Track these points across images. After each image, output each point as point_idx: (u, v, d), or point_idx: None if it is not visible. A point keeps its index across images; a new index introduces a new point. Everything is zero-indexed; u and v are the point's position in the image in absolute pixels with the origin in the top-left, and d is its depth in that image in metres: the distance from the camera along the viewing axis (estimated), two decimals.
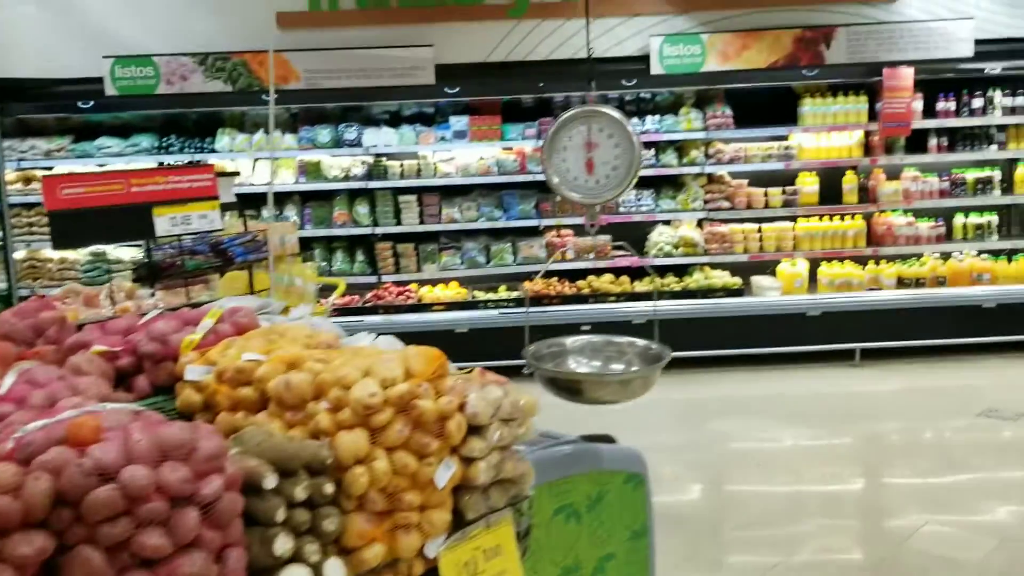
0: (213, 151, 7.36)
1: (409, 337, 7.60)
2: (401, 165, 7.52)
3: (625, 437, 5.76)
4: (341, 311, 7.34)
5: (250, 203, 7.54)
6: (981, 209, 7.74)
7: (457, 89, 7.23)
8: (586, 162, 3.10)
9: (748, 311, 7.39)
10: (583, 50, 7.23)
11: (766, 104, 7.77)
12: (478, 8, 7.07)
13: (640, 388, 2.79)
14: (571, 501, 2.73)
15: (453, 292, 7.55)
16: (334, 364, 2.02)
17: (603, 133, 3.10)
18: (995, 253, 7.69)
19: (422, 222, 7.56)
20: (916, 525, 4.42)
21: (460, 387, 2.04)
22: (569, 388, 2.80)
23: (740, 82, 7.46)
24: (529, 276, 7.74)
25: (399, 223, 7.55)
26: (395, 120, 7.71)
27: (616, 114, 3.13)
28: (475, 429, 2.01)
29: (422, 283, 7.71)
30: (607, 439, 2.96)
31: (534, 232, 7.76)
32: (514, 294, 7.56)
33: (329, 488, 1.79)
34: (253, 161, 7.55)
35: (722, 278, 7.57)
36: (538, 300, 7.42)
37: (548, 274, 7.69)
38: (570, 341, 3.04)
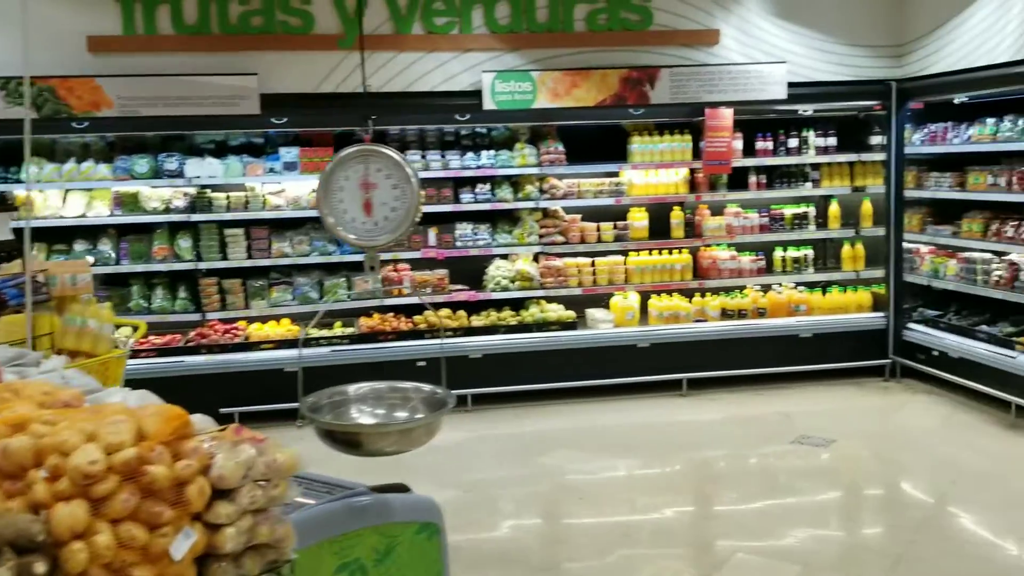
0: (19, 181, 6.85)
1: (235, 377, 7.31)
2: (227, 197, 7.22)
3: (453, 475, 5.71)
4: (161, 351, 6.95)
5: (60, 238, 7.08)
6: (798, 243, 8.15)
7: (285, 120, 7.02)
8: (364, 203, 3.01)
9: (582, 344, 7.48)
10: (419, 82, 7.23)
11: (598, 141, 7.95)
12: (306, 37, 6.92)
13: (423, 436, 2.69)
14: (356, 556, 2.61)
15: (284, 329, 7.29)
16: (58, 427, 1.83)
17: (381, 173, 3.02)
18: (811, 285, 8.12)
19: (250, 256, 7.27)
20: (729, 553, 4.52)
21: (205, 448, 1.89)
22: (347, 441, 2.67)
23: (571, 119, 7.59)
24: (366, 312, 7.59)
25: (225, 258, 7.23)
26: (221, 150, 7.41)
27: (394, 154, 3.05)
28: (222, 493, 1.87)
29: (252, 320, 7.41)
30: (400, 488, 2.84)
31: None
32: (349, 330, 7.38)
33: (40, 568, 1.61)
34: (64, 192, 7.07)
35: (557, 311, 7.65)
36: (373, 336, 7.26)
37: (384, 309, 7.55)
38: (353, 389, 2.92)
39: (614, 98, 7.38)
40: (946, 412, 6.88)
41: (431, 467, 5.95)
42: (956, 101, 7.26)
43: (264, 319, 7.36)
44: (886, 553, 4.50)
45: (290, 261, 7.33)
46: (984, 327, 7.09)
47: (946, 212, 7.80)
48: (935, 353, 7.38)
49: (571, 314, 7.63)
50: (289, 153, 7.20)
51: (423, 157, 7.47)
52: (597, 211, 7.94)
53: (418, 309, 7.55)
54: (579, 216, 7.89)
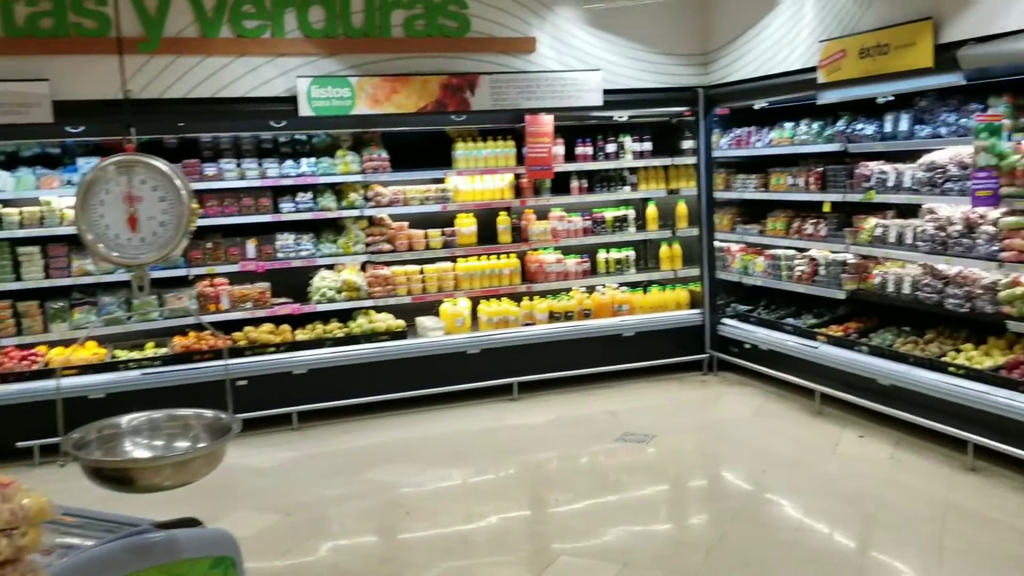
0: None
1: (34, 407, 6.72)
2: (20, 212, 6.66)
3: (277, 499, 5.50)
4: None
5: None
6: (620, 245, 8.40)
7: (82, 128, 6.55)
8: (128, 218, 2.81)
9: (412, 353, 7.40)
10: (229, 87, 6.92)
11: (422, 147, 7.90)
12: (102, 40, 6.46)
13: (204, 466, 2.53)
14: None
15: (89, 353, 6.80)
16: None
17: (146, 185, 2.82)
18: (633, 285, 8.38)
19: (48, 276, 6.74)
20: (555, 556, 4.57)
21: None
22: (118, 479, 2.48)
23: (393, 125, 7.50)
24: (181, 330, 7.19)
25: (19, 278, 6.67)
26: (12, 162, 6.84)
27: (162, 165, 2.86)
28: None
29: (53, 344, 6.86)
30: (190, 523, 2.67)
31: (183, 282, 7.21)
32: (162, 351, 6.97)
33: None
34: None
35: (386, 321, 7.53)
36: (189, 356, 6.89)
37: (200, 326, 7.19)
38: (126, 420, 2.72)
39: (436, 104, 7.34)
40: (758, 402, 7.27)
41: (254, 491, 5.72)
42: (757, 106, 7.69)
43: (66, 342, 6.84)
44: (701, 545, 4.67)
45: (94, 279, 6.85)
46: (790, 320, 7.54)
47: (753, 212, 8.24)
48: (747, 346, 7.78)
49: (400, 323, 7.53)
50: (89, 164, 6.72)
51: (239, 165, 7.18)
52: (424, 218, 7.88)
53: (238, 325, 7.24)
54: (406, 223, 7.81)
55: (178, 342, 7.04)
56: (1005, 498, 5.03)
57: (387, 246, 7.65)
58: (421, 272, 7.78)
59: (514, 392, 7.62)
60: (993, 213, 5.73)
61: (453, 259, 7.91)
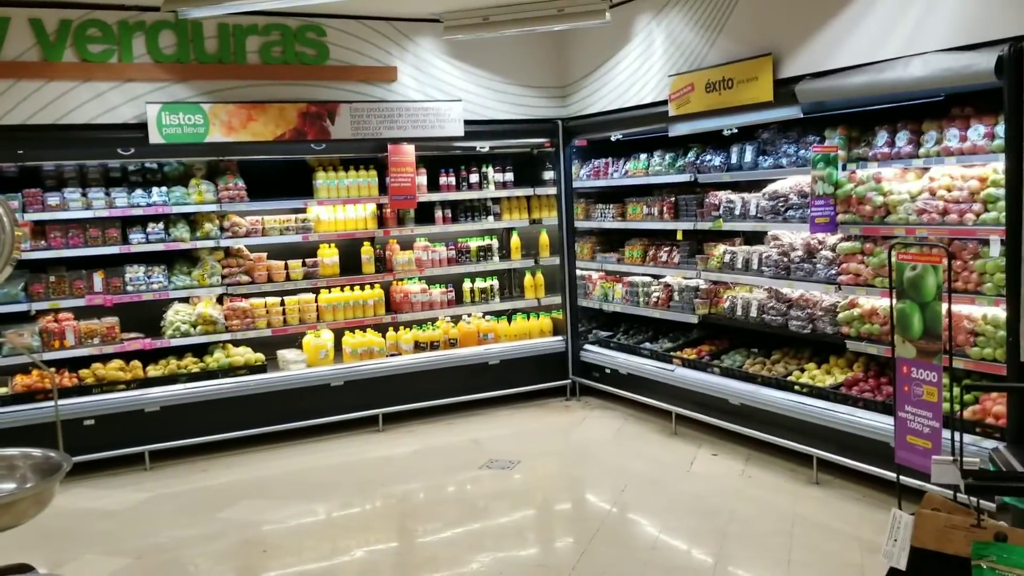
0: None
1: None
2: None
3: (128, 541, 5.21)
4: None
5: None
6: (484, 274, 8.46)
7: None
8: None
9: (273, 387, 7.20)
10: (73, 113, 6.61)
11: (282, 177, 7.76)
12: None
13: (31, 507, 2.37)
14: None
15: None
16: None
17: None
18: (497, 314, 8.46)
19: None
20: None
21: None
22: None
23: (250, 154, 7.32)
24: (24, 368, 6.74)
25: None
26: None
27: None
28: None
29: None
30: (22, 569, 2.49)
31: (24, 318, 6.78)
32: (2, 390, 6.51)
33: None
34: None
35: (245, 355, 7.30)
36: (31, 396, 6.46)
37: (47, 363, 6.74)
38: None
39: (294, 132, 7.23)
40: (619, 425, 7.44)
41: (102, 535, 5.41)
42: (613, 138, 7.95)
43: None
44: (564, 567, 4.71)
45: None
46: (648, 344, 7.78)
47: (612, 240, 8.49)
48: (608, 371, 7.97)
49: (260, 357, 7.32)
50: None
51: (84, 195, 6.84)
52: (284, 248, 7.72)
53: (86, 362, 6.85)
54: (265, 254, 7.62)
55: (20, 381, 6.60)
56: (847, 509, 5.32)
57: (245, 278, 7.44)
58: (282, 304, 7.60)
59: (379, 424, 7.51)
60: (831, 239, 6.11)
61: (315, 290, 7.77)
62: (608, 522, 5.36)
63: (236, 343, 7.43)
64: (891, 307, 5.10)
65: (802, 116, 5.88)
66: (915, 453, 4.97)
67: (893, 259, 5.23)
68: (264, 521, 5.59)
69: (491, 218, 8.47)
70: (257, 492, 6.14)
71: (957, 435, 3.63)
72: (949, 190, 5.27)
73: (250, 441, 7.08)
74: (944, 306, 4.90)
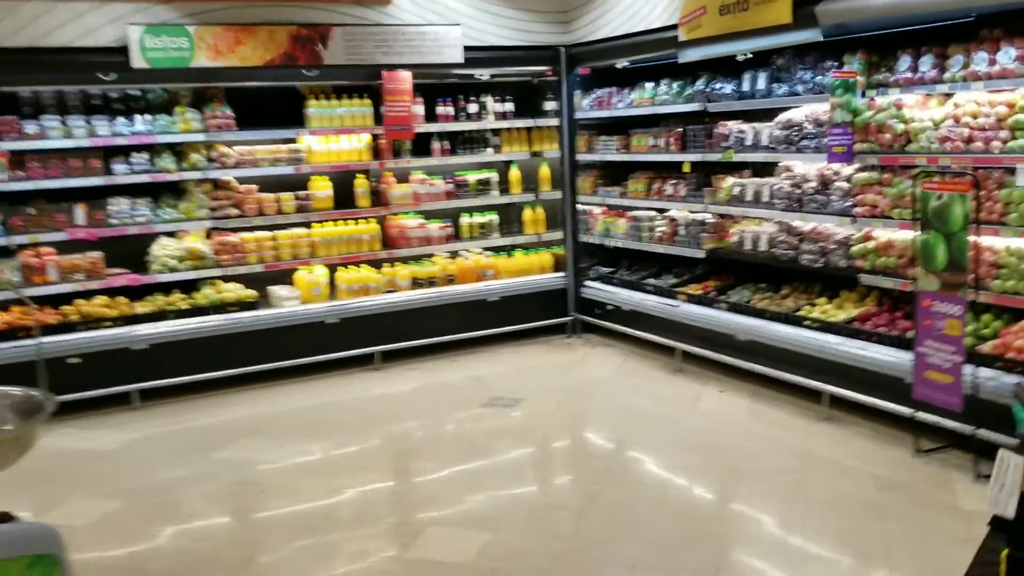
0: None
1: None
2: None
3: (119, 483, 5.04)
4: None
5: None
6: (483, 209, 8.20)
7: None
8: None
9: (266, 324, 6.98)
10: (48, 37, 6.24)
11: (271, 105, 7.43)
12: None
13: (13, 451, 2.16)
14: None
15: None
16: None
17: None
18: (497, 250, 8.22)
19: None
20: (423, 526, 4.35)
21: None
22: None
23: (239, 80, 6.99)
24: (3, 305, 6.50)
25: None
26: None
27: None
28: None
29: None
30: (3, 518, 2.29)
31: (4, 253, 6.51)
32: None
33: None
34: None
35: (236, 291, 7.06)
36: (12, 333, 6.23)
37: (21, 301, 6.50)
38: None
39: (284, 57, 6.88)
40: (621, 362, 7.27)
41: (92, 477, 5.24)
42: (619, 66, 7.63)
43: None
44: (571, 507, 4.57)
45: None
46: (651, 280, 7.57)
47: (615, 174, 8.22)
48: (610, 308, 7.77)
49: (252, 293, 7.09)
50: None
51: (64, 123, 6.52)
52: (276, 181, 7.43)
53: (69, 298, 6.61)
54: (255, 187, 7.34)
55: (0, 318, 6.36)
56: (859, 446, 5.17)
57: (234, 211, 7.16)
58: (274, 239, 7.34)
59: (376, 362, 7.33)
60: (847, 169, 5.86)
61: (308, 225, 7.50)
62: (616, 461, 5.21)
63: (226, 279, 7.19)
64: (914, 239, 4.89)
65: (822, 40, 5.58)
66: (935, 389, 4.81)
67: (918, 189, 5.01)
68: (259, 461, 5.42)
69: (490, 150, 8.17)
70: (252, 432, 5.97)
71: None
72: (975, 117, 5.02)
73: (243, 380, 6.89)
74: (972, 236, 4.70)
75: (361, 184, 7.67)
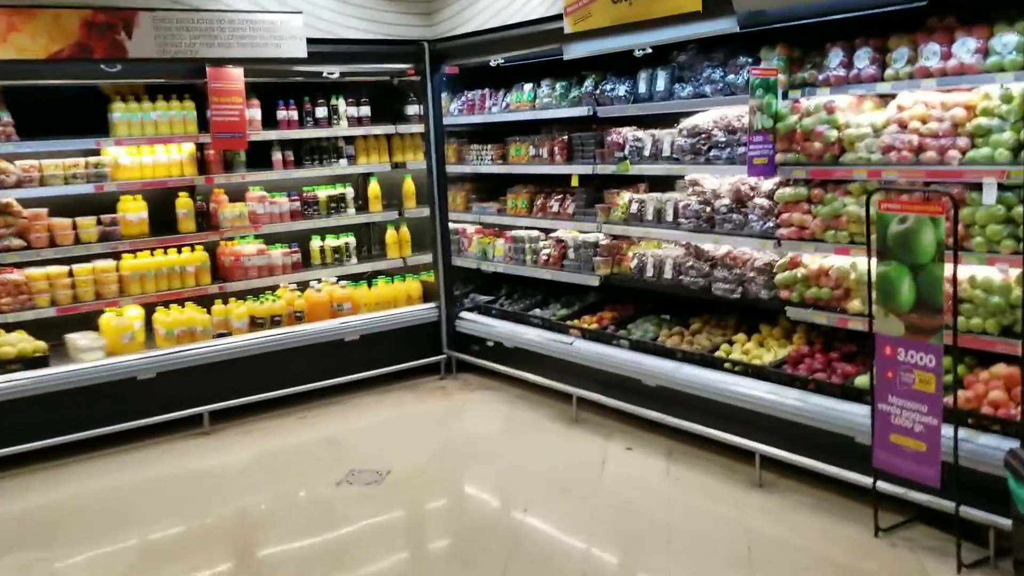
0: None
1: None
2: None
3: None
4: None
5: None
6: (337, 231, 6.96)
7: None
8: None
9: (59, 384, 5.50)
10: None
11: (65, 109, 5.98)
12: None
13: None
14: None
15: None
16: None
17: None
18: (355, 278, 7.00)
19: None
20: None
21: None
22: None
23: (15, 77, 5.53)
24: None
25: None
26: None
27: None
28: None
29: None
30: None
31: None
32: None
33: None
34: None
35: (17, 344, 5.55)
36: None
37: None
38: None
39: (76, 48, 5.45)
40: (507, 411, 6.19)
41: None
42: (493, 64, 6.55)
43: None
44: None
45: None
46: (537, 311, 6.54)
47: (491, 188, 7.19)
48: (490, 344, 6.69)
49: (40, 345, 5.60)
50: None
51: None
52: (72, 202, 5.98)
53: None
54: (45, 210, 5.85)
55: None
56: (806, 523, 4.26)
57: (17, 241, 5.66)
58: (70, 274, 5.87)
59: (205, 424, 5.95)
60: (767, 184, 4.99)
61: (116, 255, 6.06)
62: (516, 550, 4.11)
63: (7, 328, 5.66)
64: (870, 271, 3.99)
65: (737, 31, 4.67)
66: (902, 457, 3.91)
67: (872, 209, 4.18)
68: (54, 558, 4.03)
69: (344, 161, 6.95)
70: (40, 530, 4.52)
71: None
72: (924, 121, 4.22)
73: (27, 459, 5.38)
74: (947, 268, 3.88)
75: (184, 204, 6.29)
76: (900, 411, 3.83)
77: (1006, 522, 3.61)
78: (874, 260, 3.91)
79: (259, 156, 6.59)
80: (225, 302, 6.35)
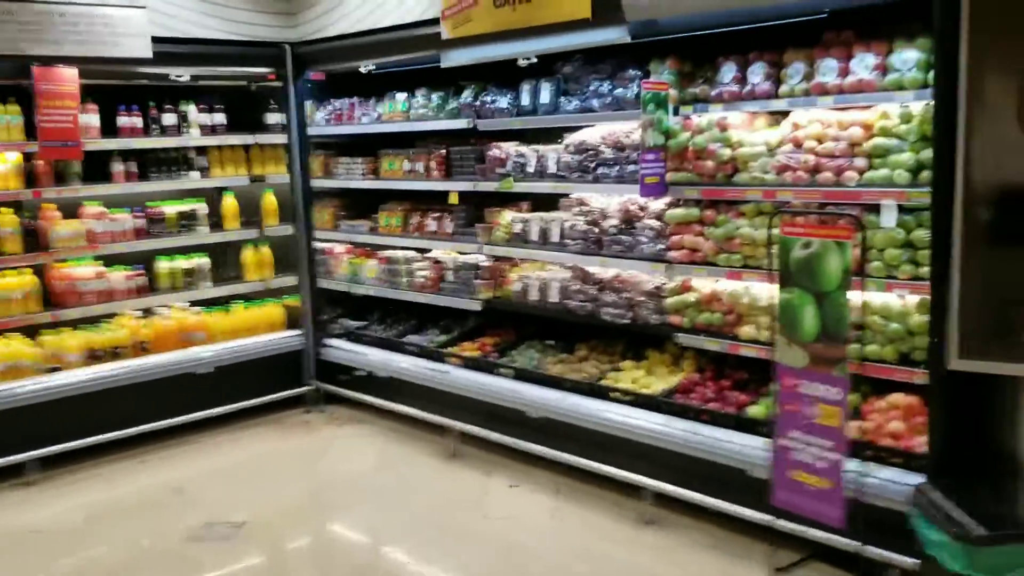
0: None
1: None
2: None
3: None
4: None
5: None
6: (188, 251, 6.29)
7: None
8: None
9: None
10: None
11: None
12: None
13: None
14: None
15: None
16: None
17: None
18: (209, 304, 6.35)
19: None
20: None
21: None
22: None
23: None
24: None
25: None
26: None
27: None
28: None
29: None
30: None
31: None
32: None
33: None
34: None
35: None
36: None
37: None
38: None
39: None
40: (380, 445, 5.70)
41: None
42: (363, 70, 6.08)
43: None
44: None
45: None
46: (413, 337, 6.09)
47: (362, 204, 6.67)
48: (361, 373, 6.18)
49: None
50: None
51: None
52: None
53: None
54: None
55: None
56: (702, 562, 4.00)
57: None
58: None
59: (30, 472, 5.18)
60: (656, 204, 4.74)
61: None
62: None
63: None
64: (771, 298, 3.75)
65: (629, 40, 4.40)
66: (805, 495, 3.69)
67: (775, 231, 3.97)
68: None
69: (195, 174, 6.30)
70: None
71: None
72: (820, 140, 4.05)
73: None
74: (853, 296, 3.69)
75: (7, 221, 5.50)
76: (803, 447, 3.61)
77: (909, 560, 3.45)
78: (776, 286, 3.68)
79: (97, 168, 5.87)
80: (58, 332, 5.59)
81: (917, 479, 3.47)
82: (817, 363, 3.53)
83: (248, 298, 6.53)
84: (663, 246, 4.63)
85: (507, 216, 5.52)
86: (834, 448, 3.49)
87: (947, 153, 3.22)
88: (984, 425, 3.45)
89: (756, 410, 4.19)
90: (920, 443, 3.61)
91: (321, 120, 6.55)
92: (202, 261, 6.33)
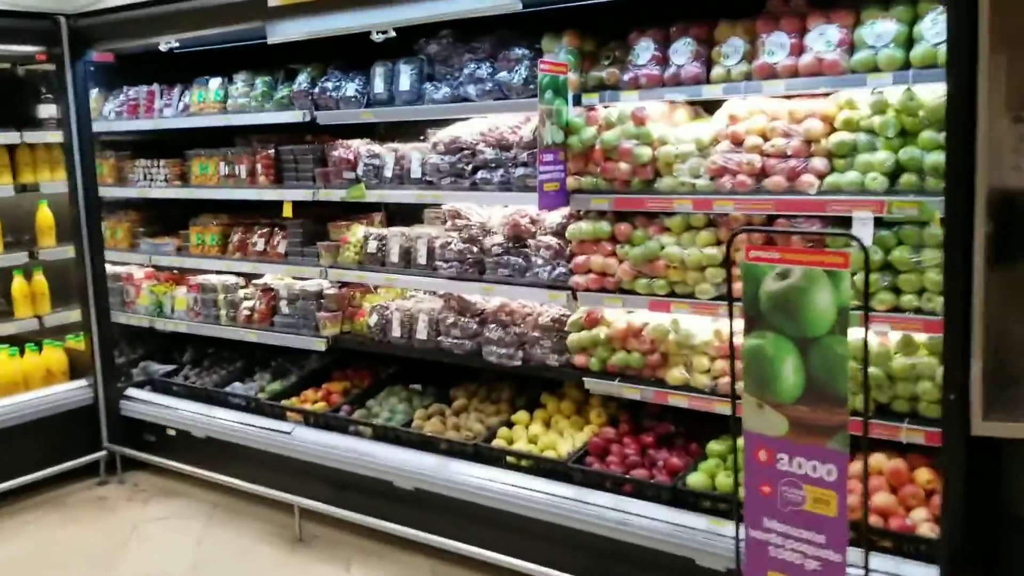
0: None
1: None
2: None
3: None
4: None
5: None
6: None
7: None
8: None
9: None
10: None
11: None
12: None
13: None
14: None
15: None
16: None
17: None
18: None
19: None
20: None
21: None
22: None
23: None
24: None
25: None
26: None
27: None
28: None
29: None
30: None
31: None
32: None
33: None
34: None
35: None
36: None
37: None
38: None
39: None
40: (199, 532, 4.42)
41: None
42: (164, 48, 4.75)
43: None
44: None
45: None
46: (238, 385, 4.86)
47: (168, 218, 5.37)
48: (172, 432, 4.88)
49: None
50: None
51: None
52: None
53: None
54: None
55: None
56: None
57: None
58: None
59: None
60: (553, 217, 3.79)
61: None
62: None
63: None
64: (739, 345, 2.85)
65: (520, 9, 3.43)
66: None
67: (737, 256, 3.08)
68: None
69: None
70: None
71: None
72: (766, 136, 3.22)
73: None
74: (849, 342, 2.84)
75: None
76: (783, 540, 2.75)
77: None
78: (738, 325, 2.80)
79: None
80: None
81: (921, 571, 2.70)
82: (801, 432, 2.67)
83: (18, 341, 5.06)
84: (564, 269, 3.69)
85: (358, 232, 4.41)
86: (830, 544, 2.63)
87: (962, 151, 2.45)
88: (1002, 500, 2.73)
89: (697, 479, 3.32)
90: (919, 521, 2.85)
91: (111, 113, 5.20)
92: None
